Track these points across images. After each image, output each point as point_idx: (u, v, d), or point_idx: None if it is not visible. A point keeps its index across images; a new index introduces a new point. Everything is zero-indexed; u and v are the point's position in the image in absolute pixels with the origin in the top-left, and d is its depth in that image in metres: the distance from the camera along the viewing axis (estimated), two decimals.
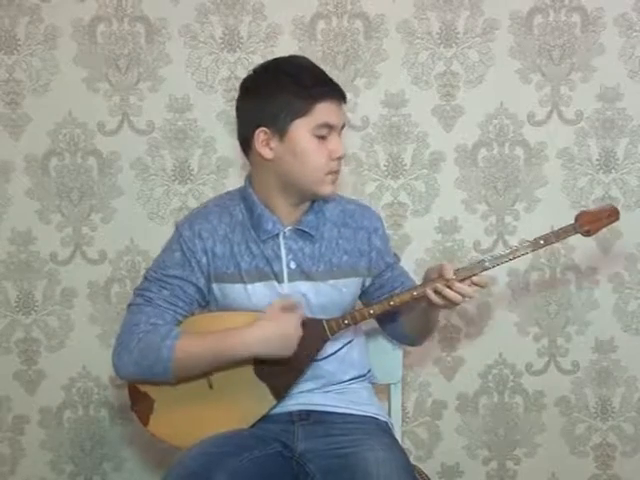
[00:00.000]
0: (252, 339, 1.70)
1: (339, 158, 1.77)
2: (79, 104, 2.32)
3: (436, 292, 1.72)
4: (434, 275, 1.74)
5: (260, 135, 1.75)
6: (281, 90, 1.73)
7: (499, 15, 2.33)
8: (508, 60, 2.34)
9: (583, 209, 1.83)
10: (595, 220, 1.79)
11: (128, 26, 2.30)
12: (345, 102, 1.80)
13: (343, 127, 1.81)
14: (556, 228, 1.79)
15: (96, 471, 2.48)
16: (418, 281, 1.90)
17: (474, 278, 1.73)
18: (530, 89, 2.36)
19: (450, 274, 1.71)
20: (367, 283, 1.90)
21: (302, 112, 1.73)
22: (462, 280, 1.72)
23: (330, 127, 1.75)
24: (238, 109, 1.83)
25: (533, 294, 2.45)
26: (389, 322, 1.94)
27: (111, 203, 2.36)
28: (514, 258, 1.75)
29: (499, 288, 2.43)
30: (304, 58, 1.84)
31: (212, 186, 2.36)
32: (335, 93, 1.77)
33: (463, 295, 1.72)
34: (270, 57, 2.27)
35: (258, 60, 2.30)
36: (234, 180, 2.34)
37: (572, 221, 1.79)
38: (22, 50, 2.30)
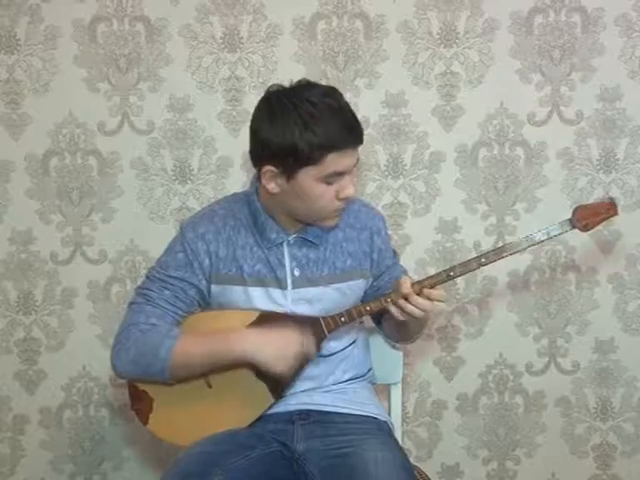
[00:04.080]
0: (250, 343, 1.69)
1: (346, 198, 1.73)
2: (79, 104, 2.32)
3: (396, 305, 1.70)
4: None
5: (267, 173, 1.70)
6: (292, 134, 1.64)
7: (499, 15, 2.33)
8: (508, 60, 2.34)
9: (580, 204, 1.77)
10: (593, 214, 1.71)
11: (128, 26, 2.30)
12: (362, 143, 1.71)
13: (357, 162, 1.73)
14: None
15: (96, 471, 2.48)
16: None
17: (430, 293, 1.68)
18: (530, 89, 2.35)
19: (406, 289, 1.68)
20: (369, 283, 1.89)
21: (311, 161, 1.65)
22: (421, 290, 1.68)
23: (340, 174, 1.70)
24: (251, 126, 1.74)
25: (533, 294, 2.44)
26: (376, 321, 1.94)
27: (111, 203, 2.36)
28: (511, 253, 1.71)
29: (499, 288, 2.43)
30: (328, 93, 1.70)
31: (212, 186, 2.36)
32: (349, 142, 1.67)
33: (421, 309, 1.68)
34: (270, 57, 2.31)
35: (258, 60, 2.30)
36: (234, 180, 2.34)
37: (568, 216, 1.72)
38: (22, 50, 2.30)
